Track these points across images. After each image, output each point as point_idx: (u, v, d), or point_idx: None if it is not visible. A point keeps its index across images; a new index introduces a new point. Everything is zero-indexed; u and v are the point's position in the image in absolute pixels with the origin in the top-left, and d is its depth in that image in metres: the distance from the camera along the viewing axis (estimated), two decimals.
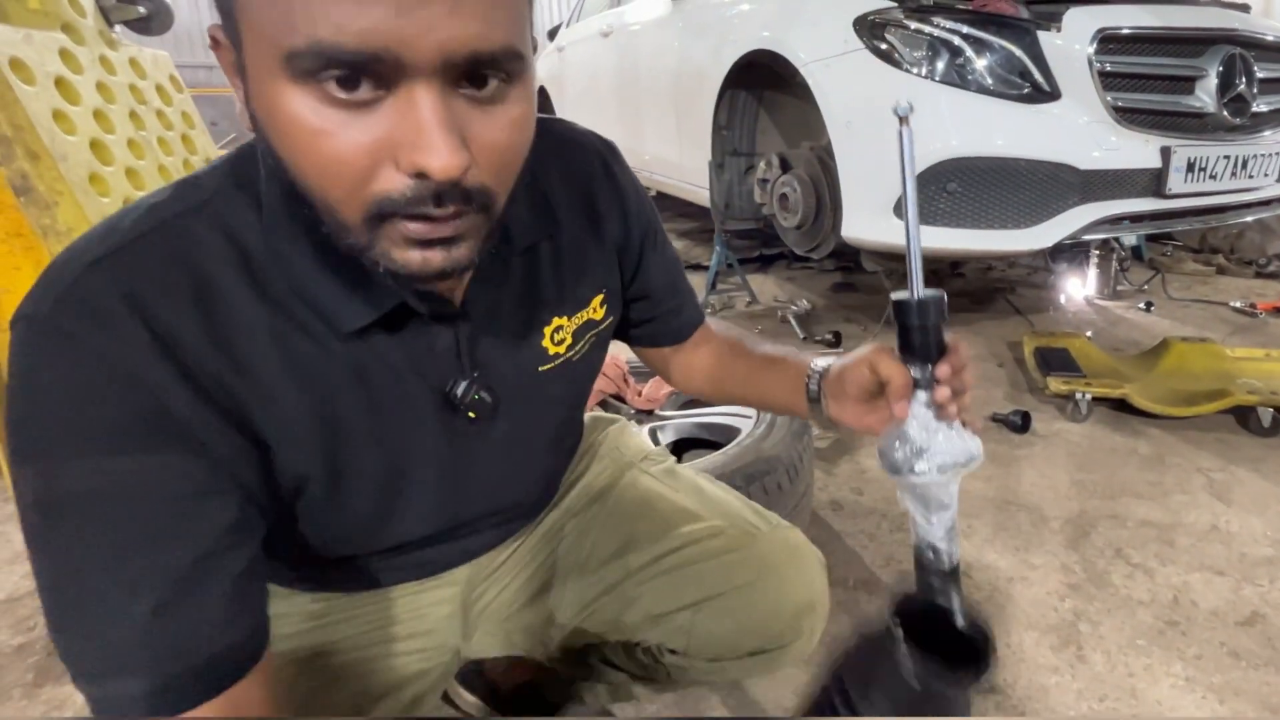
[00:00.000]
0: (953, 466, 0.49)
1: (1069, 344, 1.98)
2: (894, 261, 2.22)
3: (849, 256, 2.36)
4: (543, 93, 4.29)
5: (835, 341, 2.26)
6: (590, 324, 0.58)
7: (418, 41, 0.32)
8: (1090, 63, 1.75)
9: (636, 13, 3.06)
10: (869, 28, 1.83)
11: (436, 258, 0.37)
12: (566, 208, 0.55)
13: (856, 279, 2.98)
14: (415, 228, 0.36)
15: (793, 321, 2.41)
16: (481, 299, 0.49)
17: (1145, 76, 1.82)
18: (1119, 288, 2.71)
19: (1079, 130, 1.74)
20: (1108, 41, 1.77)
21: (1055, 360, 1.87)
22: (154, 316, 0.38)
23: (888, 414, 0.53)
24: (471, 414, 0.50)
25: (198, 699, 0.38)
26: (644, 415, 1.69)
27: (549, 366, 0.55)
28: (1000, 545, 1.27)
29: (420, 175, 0.34)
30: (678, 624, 0.64)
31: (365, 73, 0.32)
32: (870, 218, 1.90)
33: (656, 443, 1.40)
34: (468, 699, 0.89)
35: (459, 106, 0.35)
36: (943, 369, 0.49)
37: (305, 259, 0.42)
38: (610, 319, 0.60)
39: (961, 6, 1.80)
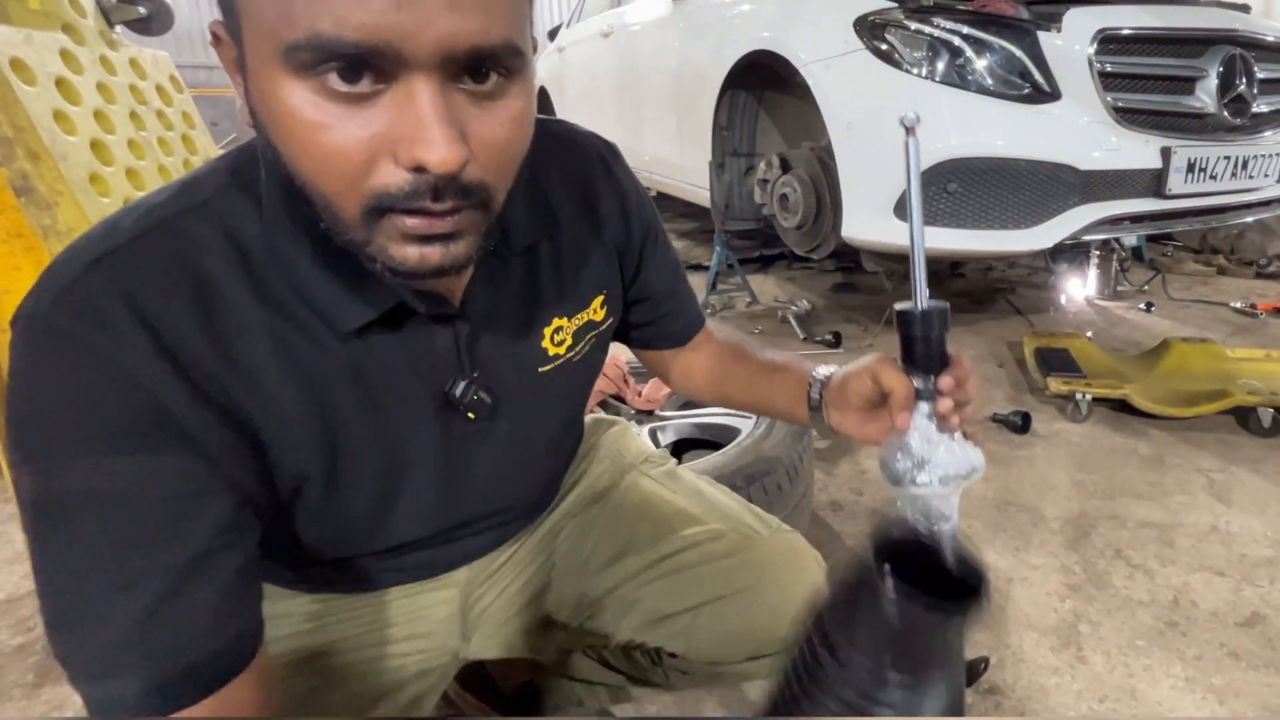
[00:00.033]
0: (954, 478, 0.49)
1: (1069, 344, 1.98)
2: (894, 262, 2.22)
3: (849, 257, 2.36)
4: (543, 93, 4.30)
5: (835, 342, 2.26)
6: (590, 325, 0.58)
7: (418, 35, 0.32)
8: (1090, 63, 1.75)
9: (637, 13, 3.06)
10: (869, 28, 1.83)
11: (434, 254, 0.37)
12: (566, 208, 0.55)
13: (857, 279, 2.99)
14: (413, 223, 0.36)
15: (793, 322, 2.41)
16: (481, 299, 0.49)
17: (1145, 77, 1.82)
18: (1119, 288, 2.71)
19: (1079, 131, 1.74)
20: (1108, 42, 1.77)
21: (1055, 361, 1.87)
22: (153, 316, 0.38)
23: (889, 424, 0.53)
24: (471, 414, 0.50)
25: (192, 698, 0.39)
26: (644, 416, 1.69)
27: (549, 367, 0.55)
28: (1000, 546, 1.27)
29: (418, 169, 0.34)
30: (677, 627, 0.64)
31: (365, 66, 0.33)
32: (870, 218, 1.90)
33: (657, 443, 1.40)
34: (468, 699, 0.89)
35: (458, 101, 0.35)
36: (945, 380, 0.49)
37: (304, 258, 0.42)
38: (610, 320, 0.60)
39: (961, 7, 1.80)
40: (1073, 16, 1.78)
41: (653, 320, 0.67)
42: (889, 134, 1.82)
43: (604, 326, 0.60)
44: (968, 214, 1.75)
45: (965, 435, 0.51)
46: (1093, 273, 2.67)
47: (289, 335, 0.42)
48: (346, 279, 0.42)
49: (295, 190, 0.38)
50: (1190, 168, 1.81)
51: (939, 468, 0.49)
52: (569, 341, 0.56)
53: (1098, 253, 2.63)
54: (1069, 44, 1.76)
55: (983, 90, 1.74)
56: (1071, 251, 2.60)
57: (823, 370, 0.61)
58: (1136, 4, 1.88)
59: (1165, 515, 1.35)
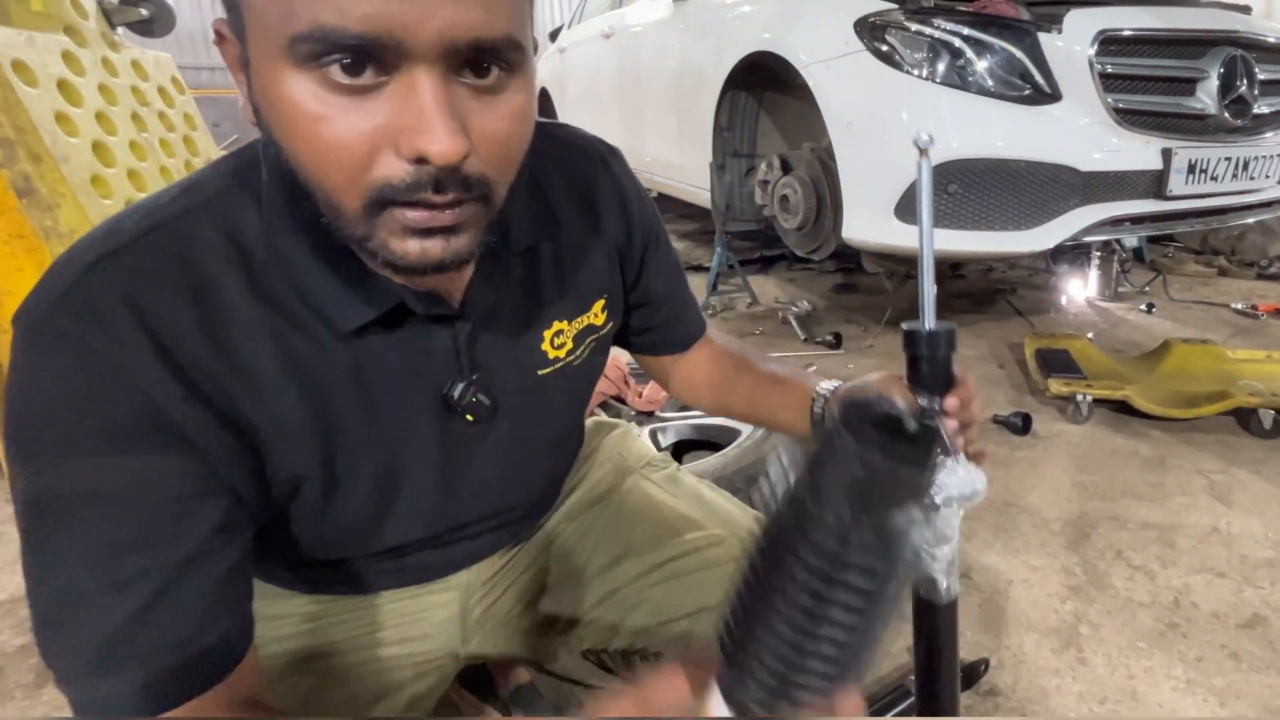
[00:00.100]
0: (957, 500, 0.49)
1: (1070, 345, 1.98)
2: (895, 263, 2.22)
3: (850, 258, 2.36)
4: (544, 94, 4.30)
5: (836, 343, 2.26)
6: (591, 329, 0.58)
7: (420, 26, 0.32)
8: (1091, 64, 1.75)
9: (638, 14, 3.07)
10: (870, 29, 1.83)
11: (435, 248, 0.37)
12: (567, 210, 0.55)
13: (857, 280, 2.99)
14: (414, 216, 0.36)
15: (794, 323, 2.41)
16: (480, 300, 0.49)
17: (1146, 78, 1.82)
18: (1120, 289, 2.70)
19: (1080, 132, 1.74)
20: (1108, 43, 1.77)
21: (1056, 362, 1.87)
22: (153, 317, 0.38)
23: None
24: (469, 416, 0.50)
25: (180, 698, 0.39)
26: (644, 417, 1.69)
27: (548, 370, 0.55)
28: (1001, 547, 1.27)
29: (420, 161, 0.34)
30: (677, 632, 0.64)
31: (367, 58, 0.33)
32: (871, 219, 1.90)
33: (657, 444, 1.40)
34: (468, 700, 0.89)
35: (460, 94, 0.35)
36: (951, 401, 0.49)
37: (305, 258, 0.42)
38: (611, 324, 0.60)
39: (962, 8, 1.80)
40: (1073, 18, 1.78)
41: (653, 325, 0.66)
42: (890, 135, 1.82)
43: (604, 330, 0.60)
44: (968, 215, 1.75)
45: (968, 456, 0.51)
46: (1093, 274, 2.67)
47: (288, 336, 0.43)
48: (346, 279, 0.43)
49: (297, 187, 0.38)
50: (1191, 169, 1.81)
51: (942, 489, 0.49)
52: (569, 345, 0.56)
53: (1098, 254, 2.63)
54: (1069, 45, 1.76)
55: (983, 91, 1.74)
56: (1072, 253, 2.60)
57: (826, 385, 0.61)
58: (1137, 5, 1.88)
59: (1166, 516, 1.35)
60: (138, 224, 0.40)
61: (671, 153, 2.88)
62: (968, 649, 1.04)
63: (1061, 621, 1.08)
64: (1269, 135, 1.95)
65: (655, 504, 0.70)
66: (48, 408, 0.37)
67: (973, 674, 0.97)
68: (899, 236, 1.84)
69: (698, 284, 2.70)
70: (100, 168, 1.38)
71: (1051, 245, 1.78)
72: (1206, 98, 1.84)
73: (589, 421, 0.78)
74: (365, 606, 0.61)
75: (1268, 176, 1.97)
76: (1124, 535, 1.29)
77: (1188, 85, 1.85)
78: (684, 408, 1.49)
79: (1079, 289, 2.67)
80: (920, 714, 0.56)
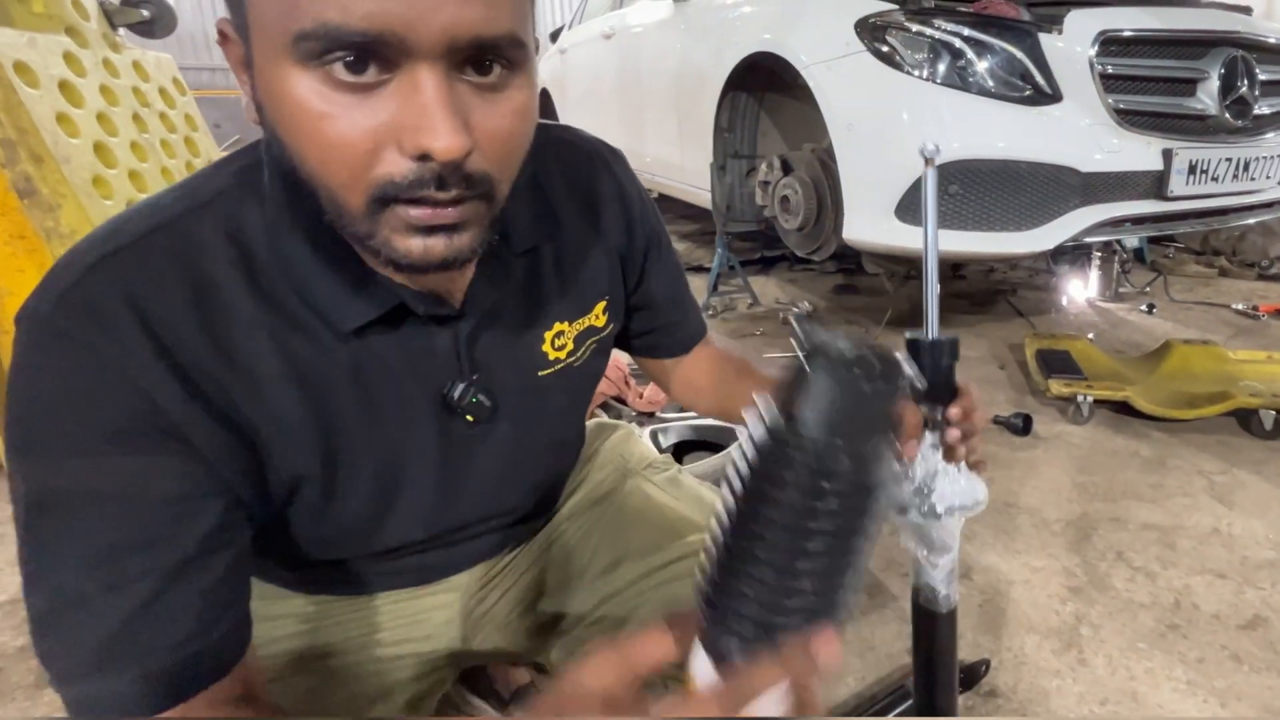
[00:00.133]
0: (959, 509, 0.49)
1: (1071, 346, 1.97)
2: (895, 263, 2.22)
3: (850, 258, 2.36)
4: (545, 95, 4.30)
5: None
6: (592, 330, 0.58)
7: (422, 24, 0.32)
8: (1092, 65, 1.75)
9: (638, 15, 3.07)
10: (870, 30, 1.83)
11: (438, 246, 0.37)
12: (568, 212, 0.55)
13: (858, 281, 2.98)
14: (417, 213, 0.36)
15: (794, 323, 2.41)
16: (481, 301, 0.49)
17: (1147, 79, 1.82)
18: (1121, 290, 2.70)
19: (1080, 132, 1.74)
20: (1109, 44, 1.77)
21: (1057, 362, 1.86)
22: (153, 317, 0.38)
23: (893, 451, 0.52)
24: (470, 417, 0.50)
25: (178, 698, 0.39)
26: (645, 417, 1.69)
27: (549, 371, 0.55)
28: (1001, 548, 1.27)
29: (423, 157, 0.34)
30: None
31: (370, 55, 0.33)
32: (872, 219, 1.90)
33: (658, 444, 1.40)
34: (468, 700, 0.89)
35: (462, 92, 0.35)
36: (954, 411, 0.49)
37: (306, 258, 0.42)
38: (612, 326, 0.60)
39: (963, 9, 1.80)
40: (1074, 18, 1.78)
41: (654, 328, 0.66)
42: (890, 135, 1.82)
43: (605, 333, 0.60)
44: (969, 216, 1.75)
45: (970, 466, 0.52)
46: (1094, 274, 2.66)
47: (288, 336, 0.43)
48: (347, 279, 0.43)
49: (299, 186, 0.38)
50: (1192, 169, 1.80)
51: (944, 498, 0.49)
52: (570, 346, 0.56)
53: (1099, 254, 2.63)
54: (1070, 46, 1.76)
55: (984, 92, 1.74)
56: (1073, 253, 2.60)
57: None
58: (1137, 6, 1.88)
59: (1167, 517, 1.34)
60: (139, 224, 0.40)
61: (672, 153, 2.89)
62: (968, 650, 1.04)
63: (1062, 622, 1.08)
64: (1270, 136, 1.95)
65: (656, 506, 0.70)
66: (48, 407, 0.37)
67: (973, 675, 0.97)
68: (900, 237, 1.84)
69: (698, 285, 2.71)
70: (102, 168, 1.38)
71: (1052, 246, 1.78)
72: (1207, 98, 1.84)
73: (590, 423, 0.78)
74: (365, 607, 0.61)
75: (1268, 177, 1.97)
76: (1125, 536, 1.29)
77: (1188, 86, 1.84)
78: (684, 409, 1.49)
79: (1080, 290, 2.67)
80: (919, 718, 0.56)
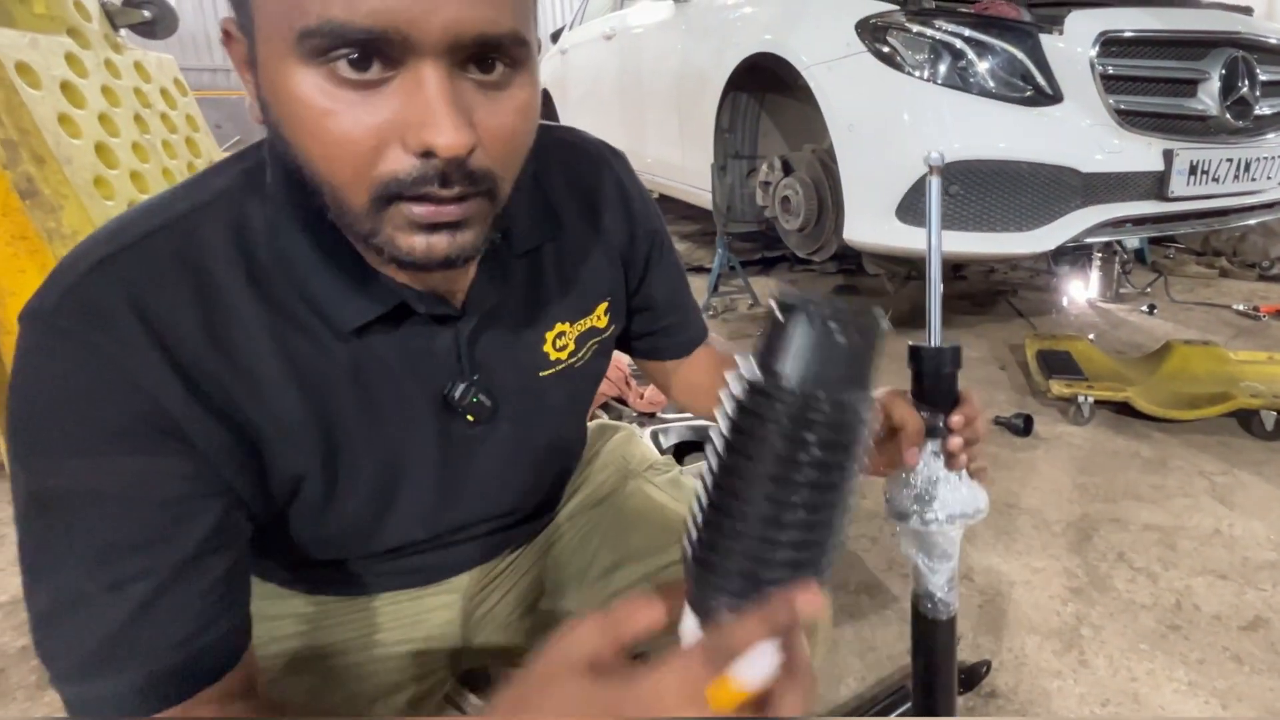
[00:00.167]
0: (960, 517, 0.49)
1: (1071, 347, 1.97)
2: (896, 264, 2.22)
3: (851, 259, 2.36)
4: (546, 96, 4.30)
5: None
6: (593, 331, 0.58)
7: (426, 21, 0.32)
8: (1092, 65, 1.75)
9: (639, 16, 3.07)
10: (871, 31, 1.83)
11: (441, 243, 0.37)
12: (570, 213, 0.55)
13: (859, 281, 2.98)
14: (420, 210, 0.36)
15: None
16: (482, 301, 0.49)
17: (1147, 79, 1.82)
18: (1121, 290, 2.70)
19: (1081, 133, 1.74)
20: (1110, 44, 1.77)
21: (1057, 363, 1.86)
22: (155, 317, 0.38)
23: (896, 458, 0.53)
24: (470, 417, 0.50)
25: (178, 697, 0.39)
26: (645, 418, 1.69)
27: (550, 372, 0.55)
28: (1002, 549, 1.27)
29: (426, 154, 0.35)
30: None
31: (374, 52, 0.33)
32: (872, 220, 1.90)
33: (658, 445, 1.40)
34: (469, 700, 0.89)
35: (465, 89, 0.35)
36: (955, 418, 0.49)
37: (308, 257, 0.42)
38: (613, 327, 0.60)
39: (963, 10, 1.80)
40: (1074, 19, 1.78)
41: (655, 330, 0.66)
42: (891, 136, 1.82)
43: (607, 334, 0.60)
44: (970, 216, 1.75)
45: (971, 474, 0.52)
46: (1095, 275, 2.66)
47: (290, 335, 0.43)
48: (349, 278, 0.43)
49: (303, 184, 0.38)
50: (1193, 170, 1.80)
51: (945, 506, 0.49)
52: (571, 347, 0.56)
53: (1100, 255, 2.63)
54: (1071, 46, 1.76)
55: (984, 93, 1.74)
56: (1073, 254, 2.60)
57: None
58: (1138, 6, 1.88)
59: (1168, 518, 1.34)
60: (141, 225, 0.40)
61: (673, 154, 2.89)
62: (969, 651, 1.04)
63: (1063, 623, 1.08)
64: (1270, 137, 1.95)
65: (658, 507, 0.70)
66: (49, 407, 0.37)
67: (974, 676, 0.97)
68: (901, 238, 1.84)
69: (699, 285, 2.70)
70: (103, 169, 1.38)
71: (1053, 246, 1.78)
72: (1208, 99, 1.84)
73: (592, 425, 0.78)
74: (366, 607, 0.61)
75: (1269, 178, 1.97)
76: (1126, 537, 1.29)
77: (1189, 86, 1.84)
78: (685, 409, 1.49)
79: (1080, 290, 2.67)
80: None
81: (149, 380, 0.38)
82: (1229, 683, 0.97)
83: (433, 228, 0.37)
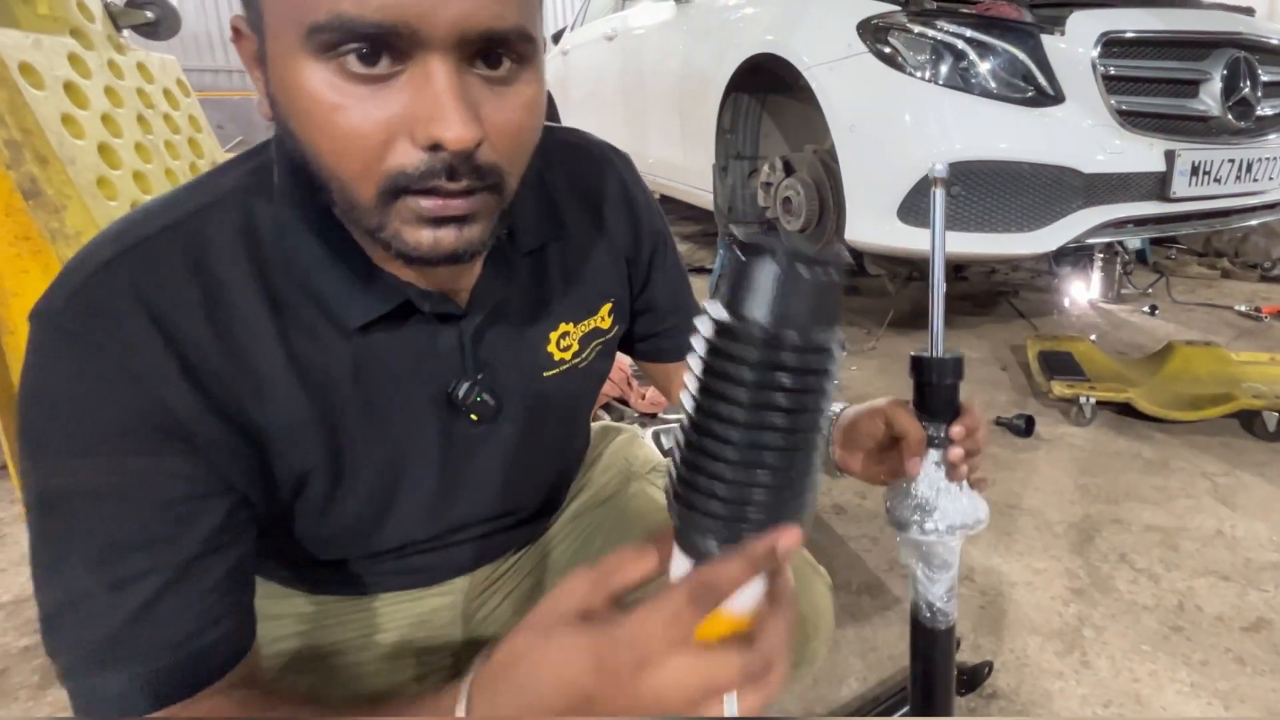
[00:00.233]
0: (960, 528, 0.50)
1: (1073, 347, 1.97)
2: (897, 264, 2.22)
3: (852, 259, 2.36)
4: (548, 96, 4.30)
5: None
6: (597, 332, 0.58)
7: (434, 15, 0.33)
8: (1094, 66, 1.75)
9: (640, 16, 3.07)
10: (872, 31, 1.83)
11: (448, 237, 0.38)
12: (574, 213, 0.55)
13: (860, 282, 2.98)
14: (427, 204, 0.36)
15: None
16: (487, 300, 0.49)
17: (1149, 80, 1.82)
18: (1123, 291, 2.70)
19: (1083, 134, 1.74)
20: (1111, 45, 1.77)
21: (1059, 364, 1.86)
22: (161, 316, 0.39)
23: (897, 468, 0.53)
24: (473, 416, 0.50)
25: (181, 695, 0.39)
26: (647, 419, 1.69)
27: (554, 372, 0.55)
28: (1004, 550, 1.27)
29: (434, 148, 0.35)
30: None
31: (383, 47, 0.34)
32: (874, 221, 1.90)
33: (660, 445, 1.40)
34: None
35: (473, 84, 0.36)
36: (957, 429, 0.50)
37: (314, 255, 0.42)
38: (617, 329, 0.60)
39: (965, 10, 1.80)
40: (1076, 20, 1.78)
41: (658, 332, 0.66)
42: (892, 137, 1.83)
43: (610, 335, 0.60)
44: (971, 217, 1.75)
45: (971, 485, 0.52)
46: (1096, 276, 2.66)
47: (295, 334, 0.43)
48: (354, 275, 0.43)
49: (310, 180, 0.38)
50: (1194, 171, 1.80)
51: (946, 516, 0.49)
52: (575, 347, 0.56)
53: (1101, 256, 2.63)
54: (1072, 47, 1.76)
55: (986, 93, 1.74)
56: (1075, 254, 2.59)
57: (832, 406, 0.61)
58: (1140, 7, 1.88)
59: (1170, 519, 1.34)
60: (149, 224, 0.41)
61: (674, 154, 2.89)
62: (971, 651, 1.04)
63: (1065, 624, 1.08)
64: (1272, 137, 1.95)
65: (660, 509, 0.70)
66: (55, 406, 0.37)
67: (976, 677, 0.97)
68: (901, 238, 1.85)
69: (700, 286, 2.71)
70: (106, 169, 1.38)
71: (1054, 247, 1.78)
72: (1210, 99, 1.84)
73: (596, 426, 0.78)
74: (367, 608, 0.61)
75: (1271, 178, 1.97)
76: (1127, 538, 1.29)
77: (1191, 87, 1.84)
78: None
79: (1082, 291, 2.67)
80: None
81: (154, 380, 0.38)
82: (1231, 684, 0.97)
83: (440, 222, 0.37)
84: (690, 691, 0.29)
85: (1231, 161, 1.86)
